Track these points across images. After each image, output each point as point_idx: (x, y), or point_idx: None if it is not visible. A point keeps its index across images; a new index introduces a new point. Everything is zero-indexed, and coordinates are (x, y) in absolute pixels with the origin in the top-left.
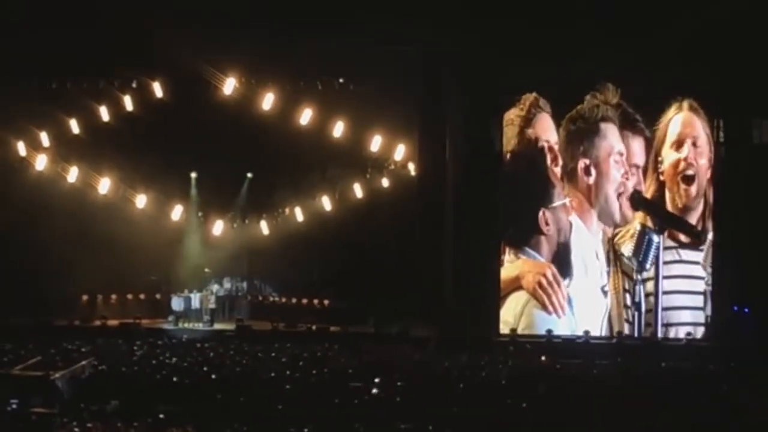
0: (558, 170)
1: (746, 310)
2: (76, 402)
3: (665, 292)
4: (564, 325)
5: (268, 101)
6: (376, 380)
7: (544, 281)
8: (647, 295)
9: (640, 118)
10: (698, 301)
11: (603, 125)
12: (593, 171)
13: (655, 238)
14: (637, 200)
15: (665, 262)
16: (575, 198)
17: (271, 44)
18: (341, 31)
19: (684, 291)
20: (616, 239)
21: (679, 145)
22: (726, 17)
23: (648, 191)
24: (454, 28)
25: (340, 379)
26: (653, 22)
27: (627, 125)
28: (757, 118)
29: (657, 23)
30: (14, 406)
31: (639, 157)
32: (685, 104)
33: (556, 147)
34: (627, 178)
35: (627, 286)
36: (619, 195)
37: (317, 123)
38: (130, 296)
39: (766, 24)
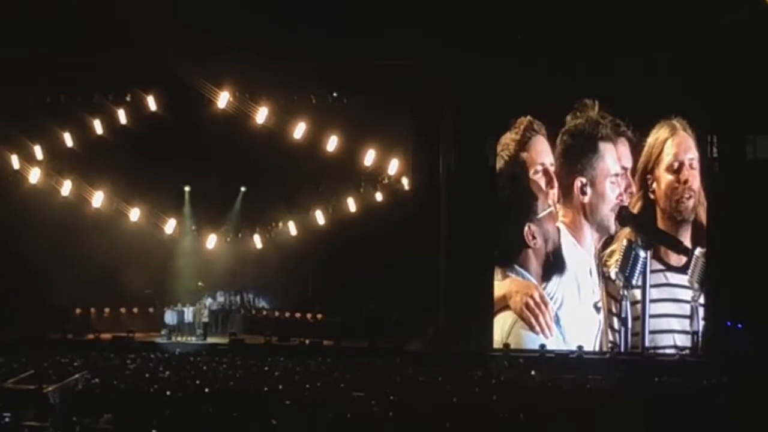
0: (555, 191)
1: (739, 325)
2: (69, 415)
3: (652, 316)
4: (552, 345)
5: (261, 115)
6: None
7: (531, 302)
8: (635, 318)
9: (621, 122)
10: (685, 324)
11: (602, 144)
12: (589, 190)
13: (642, 253)
14: (624, 216)
15: (652, 285)
16: (569, 214)
17: (265, 58)
18: (337, 46)
19: (671, 314)
20: (603, 258)
21: (678, 169)
22: (720, 33)
23: (635, 207)
24: (449, 44)
25: (333, 392)
26: (646, 39)
27: (614, 133)
28: (750, 134)
29: (650, 40)
30: (6, 419)
31: (626, 161)
32: (678, 125)
33: (552, 169)
34: (621, 200)
35: (614, 309)
36: (613, 212)
37: (311, 137)
38: (123, 310)
39: (759, 40)
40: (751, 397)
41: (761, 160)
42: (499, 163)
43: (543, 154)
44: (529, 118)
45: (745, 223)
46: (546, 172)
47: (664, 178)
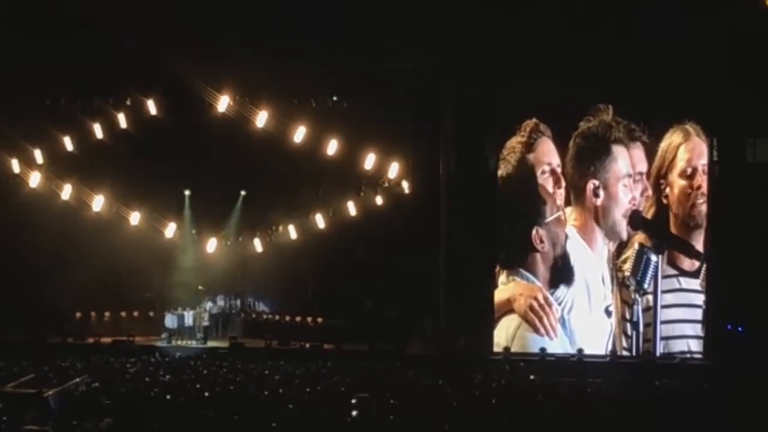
0: (561, 192)
1: (740, 329)
2: (69, 419)
3: (665, 321)
4: (557, 347)
5: (261, 119)
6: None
7: (535, 304)
8: (647, 324)
9: (635, 126)
10: (698, 329)
11: (615, 147)
12: (601, 193)
13: (653, 257)
14: (636, 220)
15: (665, 291)
16: (580, 218)
17: (265, 61)
18: (337, 48)
19: (684, 320)
20: (618, 265)
21: (692, 175)
22: (720, 35)
23: (648, 212)
24: (449, 47)
25: (334, 396)
26: (649, 41)
27: (627, 137)
28: (751, 137)
29: (653, 42)
30: (6, 422)
31: (642, 165)
32: (691, 130)
33: (558, 170)
34: (634, 204)
35: (627, 315)
36: (625, 218)
37: (311, 141)
38: (123, 313)
39: (759, 41)
40: (751, 399)
41: (761, 164)
42: (507, 167)
43: (549, 155)
44: (534, 120)
45: (745, 225)
46: (553, 172)
47: (678, 183)
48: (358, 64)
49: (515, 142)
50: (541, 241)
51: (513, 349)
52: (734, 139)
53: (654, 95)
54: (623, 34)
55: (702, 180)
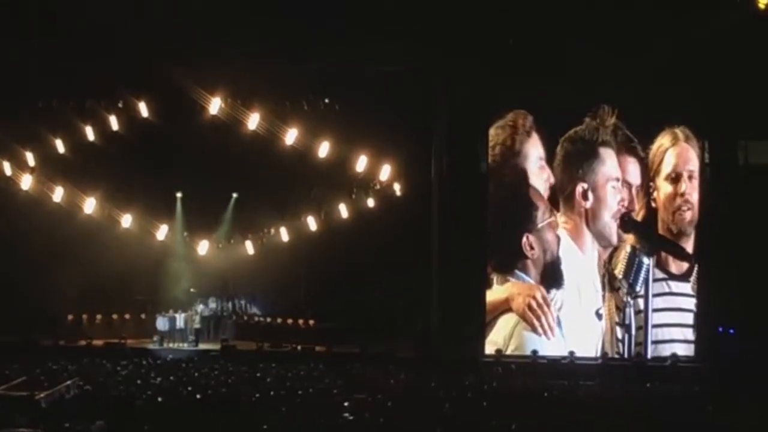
0: (545, 186)
1: (731, 331)
2: (60, 422)
3: (655, 326)
4: (553, 348)
5: (253, 121)
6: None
7: (533, 303)
8: (638, 328)
9: (636, 139)
10: (688, 334)
11: (602, 150)
12: (591, 196)
13: (645, 260)
14: (627, 223)
15: (655, 295)
16: (570, 221)
17: (257, 64)
18: (328, 52)
19: (674, 324)
20: (611, 270)
21: (676, 179)
22: (711, 38)
23: (638, 215)
24: (442, 49)
25: (325, 399)
26: (643, 43)
27: (622, 147)
28: (742, 140)
29: (647, 44)
30: None
31: (634, 177)
32: (680, 134)
33: (544, 162)
34: (623, 206)
35: (618, 319)
36: (615, 220)
37: (303, 143)
38: (115, 316)
39: (751, 45)
40: (742, 401)
41: (753, 166)
42: (497, 163)
43: (534, 148)
44: (521, 111)
45: (736, 227)
46: (541, 165)
47: (663, 187)
48: (350, 66)
49: (499, 129)
50: (532, 248)
51: (510, 348)
52: (726, 142)
53: (646, 98)
54: (616, 38)
55: (687, 186)
